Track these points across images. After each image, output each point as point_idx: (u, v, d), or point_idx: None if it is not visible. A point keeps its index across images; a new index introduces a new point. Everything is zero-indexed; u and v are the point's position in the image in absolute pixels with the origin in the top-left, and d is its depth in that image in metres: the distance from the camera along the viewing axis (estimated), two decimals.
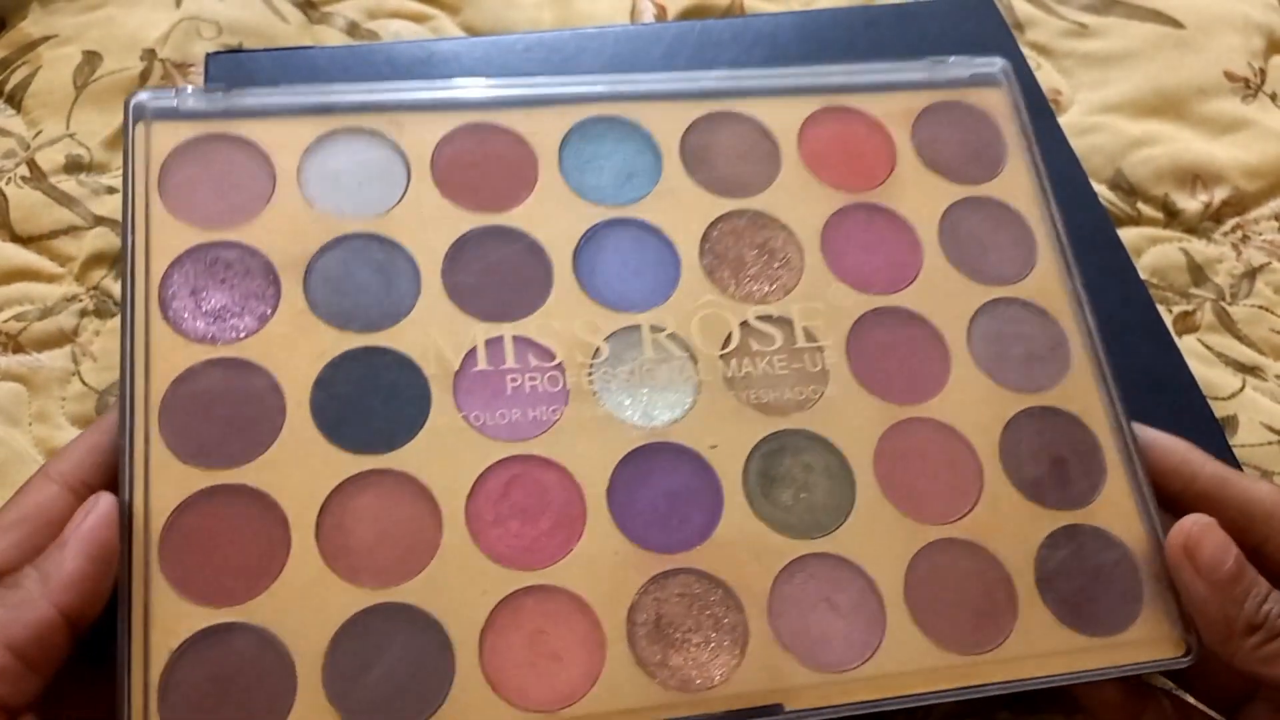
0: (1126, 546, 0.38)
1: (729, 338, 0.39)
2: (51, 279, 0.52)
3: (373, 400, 0.36)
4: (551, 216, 0.39)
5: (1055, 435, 0.39)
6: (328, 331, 0.37)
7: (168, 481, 0.34)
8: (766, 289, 0.40)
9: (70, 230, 0.52)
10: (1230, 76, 0.62)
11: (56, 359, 0.50)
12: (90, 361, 0.49)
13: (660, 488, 0.36)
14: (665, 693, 0.34)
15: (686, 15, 0.62)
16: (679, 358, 0.38)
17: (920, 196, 0.42)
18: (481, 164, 0.40)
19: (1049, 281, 0.41)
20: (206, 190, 0.38)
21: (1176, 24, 0.64)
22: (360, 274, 0.38)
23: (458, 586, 0.34)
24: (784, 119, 0.42)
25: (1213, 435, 0.46)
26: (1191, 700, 0.39)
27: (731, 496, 0.36)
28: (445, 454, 0.36)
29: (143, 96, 0.39)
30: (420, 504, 0.35)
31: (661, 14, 0.61)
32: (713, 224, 0.40)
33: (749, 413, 0.38)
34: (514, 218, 0.39)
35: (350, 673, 0.33)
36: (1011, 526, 0.37)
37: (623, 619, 0.34)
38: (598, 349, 0.38)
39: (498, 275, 0.38)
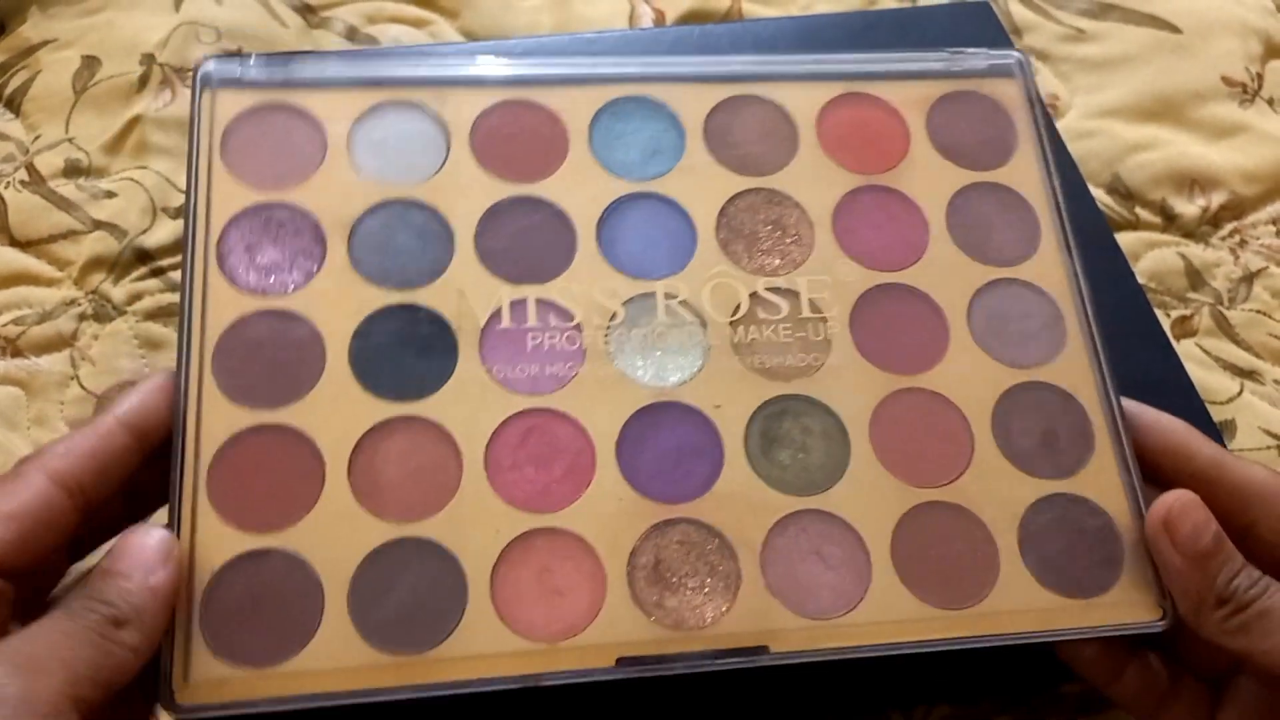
0: (1109, 515, 0.39)
1: (738, 306, 0.41)
2: (50, 283, 0.52)
3: (405, 352, 0.39)
4: (579, 188, 0.42)
5: (1047, 408, 0.41)
6: (367, 288, 0.40)
7: (217, 419, 0.38)
8: (777, 263, 0.42)
9: (69, 234, 0.53)
10: (1228, 81, 0.62)
11: (55, 363, 0.50)
12: (89, 366, 0.50)
13: (666, 443, 0.39)
14: (660, 630, 0.37)
15: (685, 20, 0.63)
16: (690, 323, 0.41)
17: (931, 180, 0.44)
18: (517, 137, 0.43)
19: (1049, 265, 0.43)
20: (264, 154, 0.42)
21: (1174, 29, 0.64)
22: (400, 236, 0.41)
23: (474, 525, 0.37)
24: (804, 103, 0.45)
25: (1211, 439, 0.46)
26: None
27: (732, 454, 0.39)
28: (469, 404, 0.39)
29: (210, 66, 0.42)
30: (444, 448, 0.38)
31: (660, 18, 0.62)
32: (730, 200, 0.43)
33: (753, 377, 0.40)
34: (544, 188, 0.42)
35: (372, 598, 0.36)
36: (999, 492, 0.39)
37: (624, 561, 0.37)
38: (615, 313, 0.40)
39: (526, 241, 0.41)
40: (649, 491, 0.38)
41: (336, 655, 0.35)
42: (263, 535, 0.37)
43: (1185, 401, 0.48)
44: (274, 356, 0.39)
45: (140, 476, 0.37)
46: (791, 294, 0.41)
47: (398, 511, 0.37)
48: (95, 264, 0.53)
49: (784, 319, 0.41)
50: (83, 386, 0.50)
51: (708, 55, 0.46)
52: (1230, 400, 0.52)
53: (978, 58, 0.46)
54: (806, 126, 0.44)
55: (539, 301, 0.40)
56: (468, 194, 0.42)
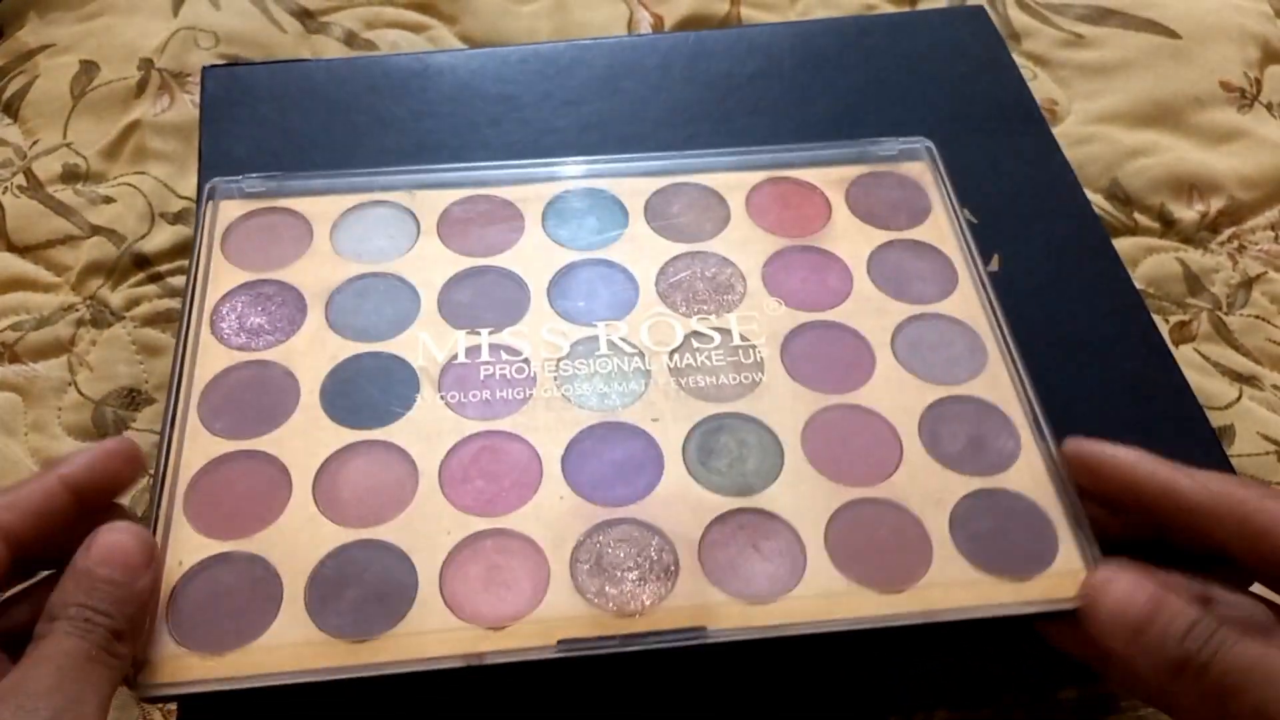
0: (1036, 501, 0.41)
1: (674, 340, 0.45)
2: (48, 289, 0.51)
3: (370, 388, 0.43)
4: (533, 259, 0.47)
5: (973, 417, 0.43)
6: (340, 341, 0.44)
7: (197, 447, 0.41)
8: (712, 309, 0.46)
9: (67, 240, 0.52)
10: (1226, 86, 0.62)
11: (53, 369, 0.49)
12: (87, 371, 0.49)
13: (609, 458, 0.42)
14: (600, 614, 0.38)
15: (683, 26, 0.63)
16: (631, 354, 0.44)
17: (852, 240, 0.48)
18: (478, 221, 0.48)
19: (968, 302, 0.46)
20: (256, 245, 0.47)
21: (1172, 34, 0.64)
22: (371, 300, 0.46)
23: (425, 528, 0.40)
24: (734, 185, 0.50)
25: (1209, 446, 0.46)
26: None
27: (672, 463, 0.41)
28: (426, 428, 0.42)
29: (215, 181, 0.49)
30: (402, 466, 0.41)
31: (658, 24, 0.62)
32: (669, 261, 0.47)
33: (690, 398, 0.43)
34: (502, 260, 0.47)
35: (328, 591, 0.38)
36: (929, 487, 0.41)
37: (567, 555, 0.39)
38: (562, 350, 0.44)
39: (483, 299, 0.46)
40: (592, 497, 0.41)
41: (291, 640, 0.37)
42: (229, 541, 0.39)
43: (1183, 409, 0.47)
44: (252, 397, 0.43)
45: (75, 532, 0.36)
46: (724, 330, 0.45)
47: (356, 519, 0.40)
48: (93, 269, 0.52)
49: (717, 347, 0.45)
50: (80, 392, 0.49)
51: (646, 153, 0.51)
52: (1229, 406, 0.51)
53: (888, 145, 0.51)
54: (737, 202, 0.49)
55: (492, 345, 0.45)
56: (433, 267, 0.47)
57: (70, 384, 0.50)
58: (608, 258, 0.47)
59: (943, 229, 0.49)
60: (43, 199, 0.55)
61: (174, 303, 0.53)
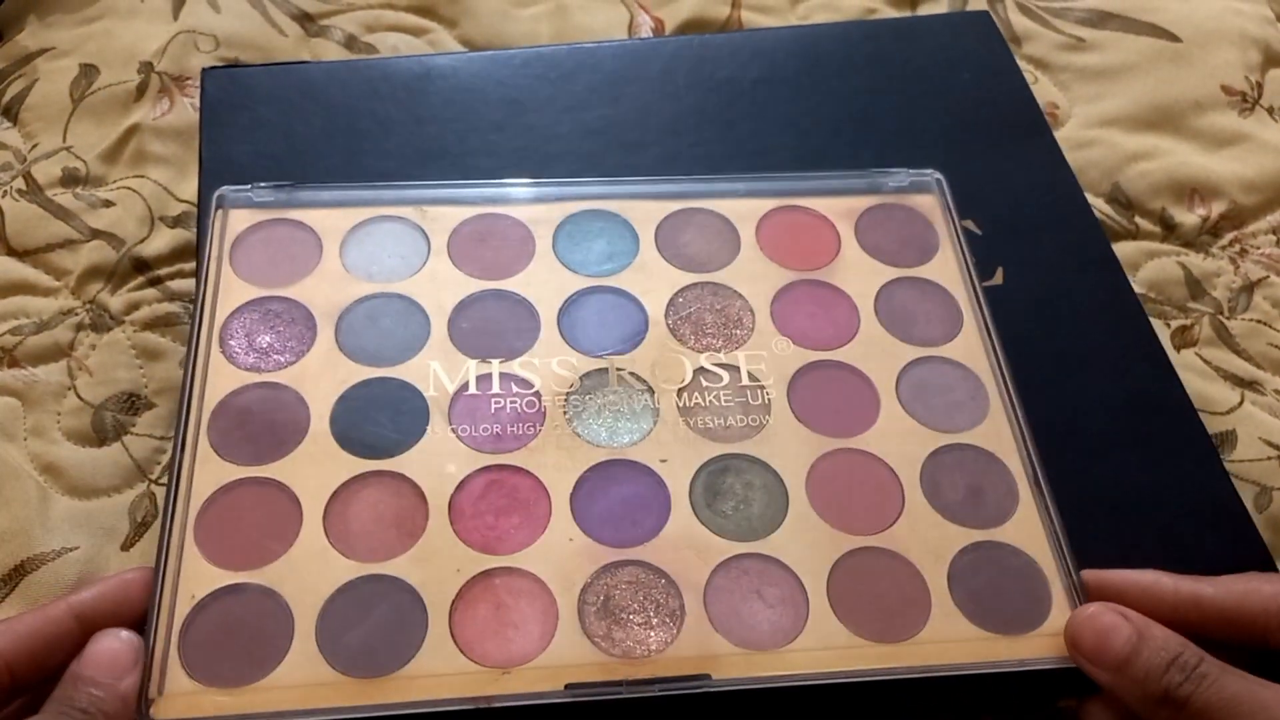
0: (1034, 558, 0.42)
1: (683, 376, 0.45)
2: (48, 293, 0.51)
3: (381, 416, 0.43)
4: (543, 284, 0.47)
5: (973, 467, 0.44)
6: (350, 365, 0.45)
7: (207, 473, 0.42)
8: (720, 343, 0.46)
9: (66, 244, 0.52)
10: (1227, 90, 0.62)
11: (52, 373, 0.49)
12: (86, 376, 0.49)
13: (617, 495, 0.42)
14: (606, 659, 0.39)
15: (684, 29, 0.62)
16: (640, 391, 0.45)
17: (860, 275, 0.49)
18: (489, 242, 0.48)
19: (971, 346, 0.47)
20: (265, 258, 0.47)
21: (1173, 38, 0.64)
22: (382, 322, 0.46)
23: (436, 564, 0.40)
24: (744, 213, 0.50)
25: (1207, 456, 0.47)
26: None
27: (679, 505, 0.42)
28: (437, 460, 0.42)
29: (224, 190, 0.48)
30: (413, 499, 0.42)
31: (659, 28, 0.62)
32: (678, 291, 0.48)
33: (698, 438, 0.44)
34: (512, 284, 0.47)
35: (338, 627, 0.39)
36: (928, 539, 0.42)
37: (575, 597, 0.40)
38: (572, 383, 0.45)
39: (493, 325, 0.46)
40: (600, 537, 0.41)
41: (302, 677, 0.38)
42: (240, 572, 0.40)
43: (1182, 418, 0.47)
44: (262, 421, 0.43)
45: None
46: (732, 368, 0.46)
47: (367, 553, 0.40)
48: (93, 273, 0.52)
49: (725, 386, 0.45)
50: (80, 397, 0.49)
51: (669, 164, 0.52)
52: (1231, 411, 0.51)
53: (899, 177, 0.51)
54: (747, 232, 0.50)
55: (503, 375, 0.45)
56: (444, 289, 0.47)
57: (70, 389, 0.50)
58: (618, 285, 0.48)
59: (950, 268, 0.49)
60: (42, 203, 0.54)
61: (174, 307, 0.53)
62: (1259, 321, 0.55)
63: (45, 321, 0.51)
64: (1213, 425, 0.49)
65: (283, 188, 0.49)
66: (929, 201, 0.51)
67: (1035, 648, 0.40)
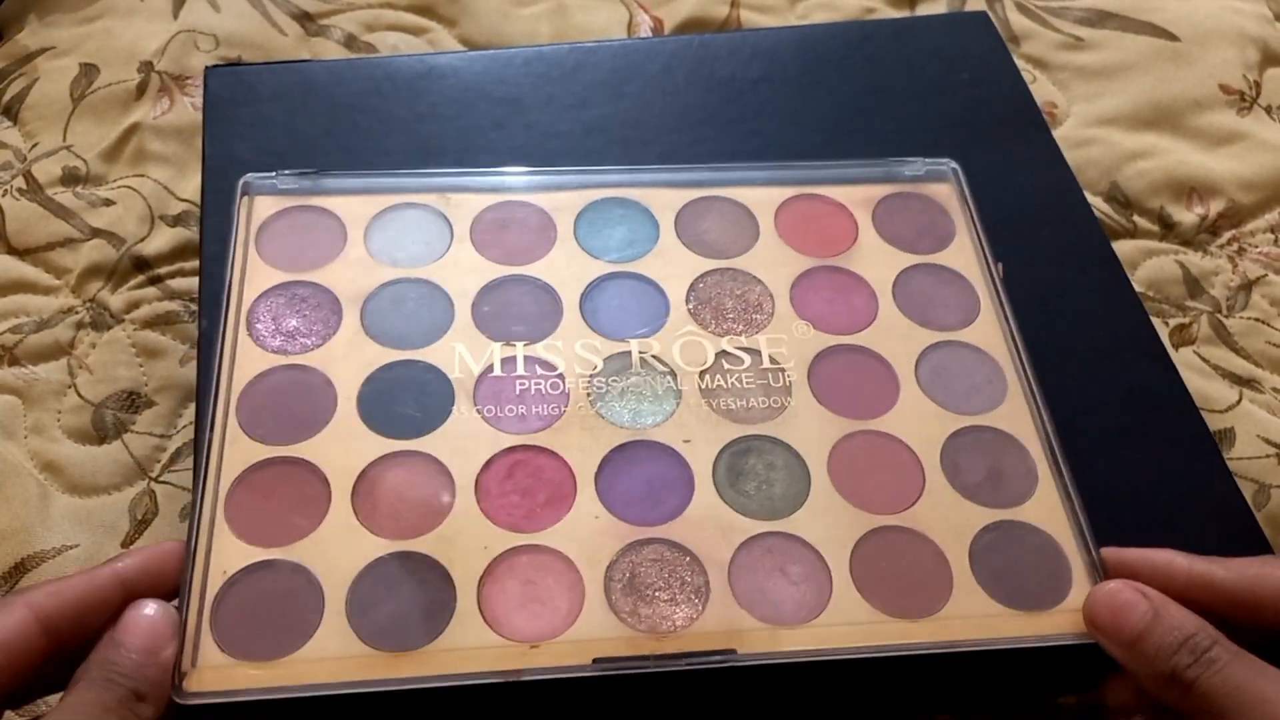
0: (1053, 536, 0.42)
1: (705, 359, 0.46)
2: (48, 291, 0.51)
3: (407, 398, 0.44)
4: (565, 269, 0.48)
5: (992, 449, 0.45)
6: (376, 348, 0.45)
7: (237, 452, 0.42)
8: (740, 328, 0.47)
9: (67, 242, 0.52)
10: (1225, 89, 0.62)
11: (52, 371, 0.49)
12: (86, 374, 0.49)
13: (641, 475, 0.43)
14: (633, 634, 0.39)
15: (683, 29, 0.62)
16: (663, 373, 0.45)
17: (878, 262, 0.49)
18: (510, 229, 0.49)
19: (989, 330, 0.48)
20: (291, 244, 0.48)
21: (1172, 37, 0.64)
22: (406, 307, 0.46)
23: (463, 542, 0.41)
24: (763, 201, 0.51)
25: (1207, 451, 0.47)
26: None
27: (702, 484, 0.43)
28: (462, 441, 0.43)
29: (249, 177, 0.49)
30: (439, 479, 0.42)
31: (658, 27, 0.63)
32: (699, 277, 0.48)
33: (720, 419, 0.44)
34: (534, 269, 0.48)
35: (368, 602, 0.39)
36: (949, 519, 0.43)
37: (601, 574, 0.40)
38: (595, 365, 0.45)
39: (517, 310, 0.47)
40: (624, 516, 0.42)
41: (333, 652, 0.38)
42: (270, 549, 0.40)
43: (1182, 413, 0.48)
44: (290, 402, 0.44)
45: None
46: (754, 351, 0.46)
47: (394, 531, 0.41)
48: (93, 272, 0.52)
49: (746, 369, 0.46)
50: (80, 395, 0.49)
51: (681, 156, 0.53)
52: (1229, 409, 0.51)
53: (915, 166, 0.52)
54: (765, 219, 0.50)
55: (527, 357, 0.45)
56: (467, 274, 0.47)
57: (70, 387, 0.50)
58: (639, 271, 0.48)
59: (966, 255, 0.50)
60: (42, 201, 0.54)
61: (174, 305, 0.53)
62: (1257, 320, 0.55)
63: (45, 320, 0.51)
64: (1211, 423, 0.49)
65: (307, 175, 0.49)
66: (945, 190, 0.52)
67: (1056, 624, 0.40)
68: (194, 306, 0.54)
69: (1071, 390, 0.47)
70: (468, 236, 0.49)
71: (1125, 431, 0.47)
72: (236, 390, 0.44)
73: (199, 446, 0.42)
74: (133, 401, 0.51)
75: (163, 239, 0.55)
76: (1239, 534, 0.45)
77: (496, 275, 0.48)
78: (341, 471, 0.42)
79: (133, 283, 0.54)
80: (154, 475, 0.50)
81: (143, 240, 0.55)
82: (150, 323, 0.53)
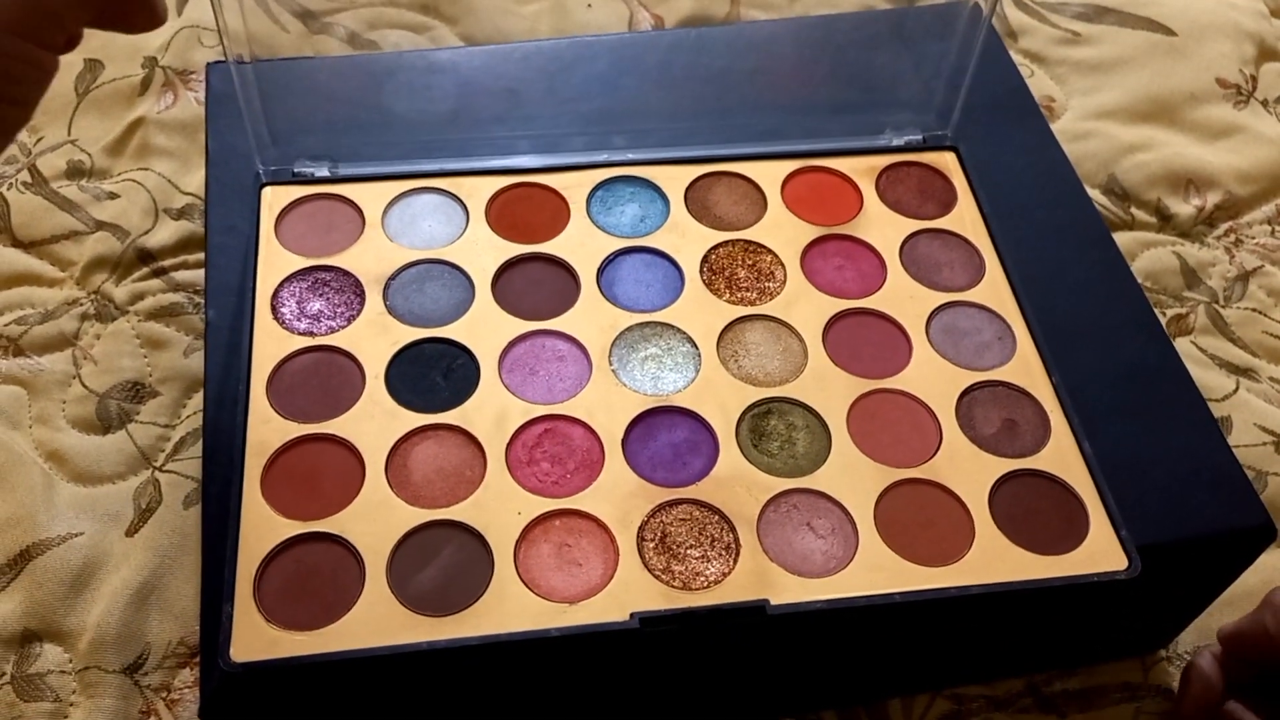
0: (1069, 482, 0.44)
1: (721, 327, 0.47)
2: (53, 283, 0.52)
3: (434, 373, 0.45)
4: (580, 246, 0.49)
5: (1005, 402, 0.46)
6: (400, 328, 0.46)
7: (270, 431, 0.43)
8: (755, 297, 0.48)
9: (71, 235, 0.53)
10: (1222, 83, 0.63)
11: (57, 362, 0.50)
12: (91, 365, 0.50)
13: (665, 440, 0.44)
14: (668, 590, 0.40)
15: (683, 26, 0.63)
16: (681, 342, 0.46)
17: (884, 229, 0.51)
18: (525, 208, 0.50)
19: (996, 290, 0.49)
20: (311, 231, 0.49)
21: (1169, 31, 0.65)
22: (428, 287, 0.47)
23: (497, 509, 0.42)
24: (769, 175, 0.52)
25: (1211, 434, 0.47)
26: None
27: (726, 446, 0.44)
28: (490, 412, 0.44)
29: (268, 166, 0.50)
30: (470, 450, 0.43)
31: (659, 25, 0.63)
32: (711, 249, 0.49)
33: (739, 384, 0.45)
34: (550, 247, 0.49)
35: (408, 571, 0.40)
36: (968, 470, 0.44)
37: (633, 535, 0.41)
38: (616, 337, 0.46)
39: (536, 287, 0.48)
40: (653, 479, 0.43)
41: (376, 619, 0.39)
42: (310, 522, 0.41)
43: (1184, 395, 0.48)
44: (319, 381, 0.45)
45: None
46: (768, 318, 0.47)
47: (429, 501, 0.42)
48: (97, 264, 0.53)
49: (762, 335, 0.47)
50: (85, 386, 0.50)
51: (684, 142, 0.53)
52: (1226, 398, 0.52)
53: (914, 134, 0.54)
54: (772, 192, 0.52)
55: (549, 331, 0.46)
56: (484, 254, 0.49)
57: (74, 378, 0.50)
58: (652, 245, 0.49)
59: (969, 218, 0.51)
60: (47, 195, 0.55)
61: (178, 297, 0.54)
62: (1254, 310, 0.56)
63: (50, 311, 0.52)
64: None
65: (323, 163, 0.50)
66: (944, 158, 0.53)
67: (1076, 564, 0.42)
68: (198, 298, 0.55)
69: (1070, 366, 0.48)
70: (483, 217, 0.50)
71: (1124, 406, 0.48)
72: (264, 373, 0.44)
73: (212, 430, 0.43)
74: (137, 392, 0.52)
75: (167, 232, 0.56)
76: (1237, 502, 0.45)
77: (514, 253, 0.49)
78: (374, 446, 0.43)
79: (137, 275, 0.55)
80: (158, 464, 0.50)
81: (147, 233, 0.56)
82: (154, 314, 0.54)
